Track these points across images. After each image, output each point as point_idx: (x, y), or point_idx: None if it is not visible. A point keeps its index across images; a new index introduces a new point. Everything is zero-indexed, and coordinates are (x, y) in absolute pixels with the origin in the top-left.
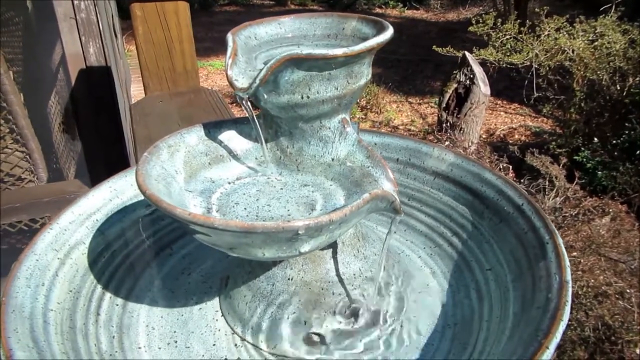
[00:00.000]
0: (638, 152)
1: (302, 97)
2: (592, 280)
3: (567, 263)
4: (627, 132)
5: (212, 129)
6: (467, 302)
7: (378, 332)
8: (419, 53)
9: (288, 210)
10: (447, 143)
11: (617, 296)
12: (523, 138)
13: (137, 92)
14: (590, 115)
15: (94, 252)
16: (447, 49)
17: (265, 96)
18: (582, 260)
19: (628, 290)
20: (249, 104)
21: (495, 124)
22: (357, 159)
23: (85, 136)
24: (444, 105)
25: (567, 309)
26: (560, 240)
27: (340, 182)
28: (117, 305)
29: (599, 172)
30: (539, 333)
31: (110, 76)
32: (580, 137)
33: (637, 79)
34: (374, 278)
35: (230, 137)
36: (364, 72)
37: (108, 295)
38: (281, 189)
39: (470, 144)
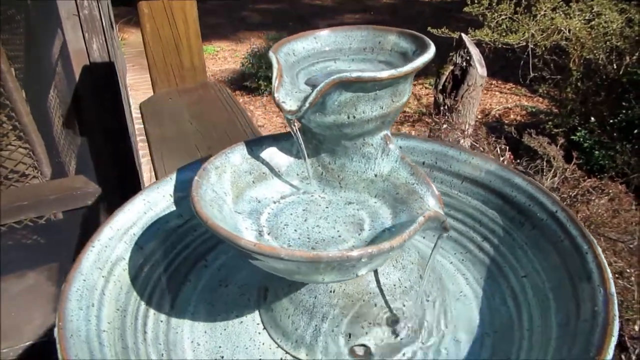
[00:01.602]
0: (635, 131)
1: (349, 117)
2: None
3: (610, 275)
4: (624, 111)
5: (254, 146)
6: (504, 310)
7: (420, 343)
8: None
9: (338, 230)
10: (444, 126)
11: (616, 275)
12: (519, 118)
13: (131, 81)
14: (586, 94)
15: (135, 268)
16: (442, 30)
17: (311, 116)
18: None
19: (628, 270)
20: (295, 124)
21: (490, 104)
22: (401, 176)
23: (89, 132)
24: (440, 87)
25: (617, 323)
26: (599, 250)
27: (385, 199)
28: (162, 321)
29: (596, 152)
30: (590, 348)
31: (114, 72)
32: (576, 116)
33: (634, 57)
34: (413, 288)
35: (271, 154)
36: (407, 90)
37: (152, 311)
38: (326, 207)
39: (467, 126)
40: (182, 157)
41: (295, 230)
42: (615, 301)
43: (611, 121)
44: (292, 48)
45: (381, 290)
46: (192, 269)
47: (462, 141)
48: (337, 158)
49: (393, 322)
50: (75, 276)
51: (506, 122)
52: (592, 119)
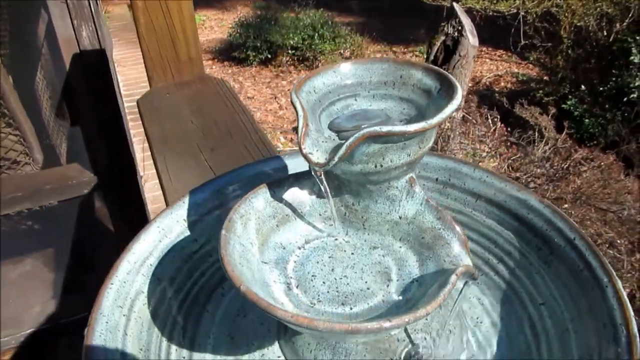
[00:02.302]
0: (625, 98)
1: (376, 167)
2: (583, 231)
3: (632, 313)
4: (613, 79)
5: (276, 188)
6: (522, 338)
7: None
8: (403, 1)
9: (365, 282)
10: None
11: (607, 246)
12: (509, 86)
13: (118, 56)
14: (577, 62)
15: (154, 301)
16: None
17: (337, 165)
18: (573, 212)
19: (618, 241)
20: (323, 176)
21: (481, 72)
22: (427, 220)
23: (82, 121)
24: (431, 58)
25: None
26: (619, 285)
27: (410, 244)
28: (184, 357)
29: (586, 120)
30: None
31: (105, 60)
32: (567, 84)
33: (624, 24)
34: (435, 319)
35: (293, 194)
36: (433, 135)
37: (174, 347)
38: (352, 253)
39: None
40: (186, 161)
41: (324, 283)
42: (638, 343)
43: (601, 89)
44: (312, 85)
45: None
46: (210, 297)
47: (454, 114)
48: (361, 200)
49: (415, 353)
50: (98, 318)
51: (497, 89)
52: (583, 87)
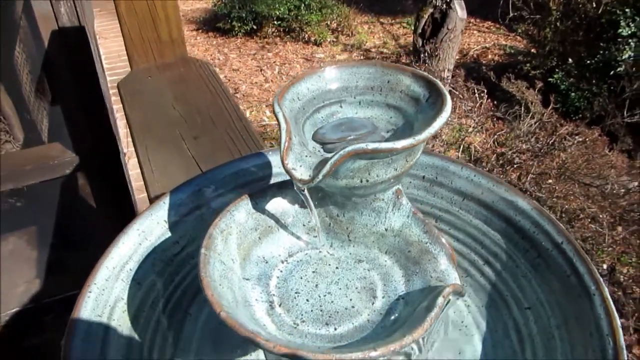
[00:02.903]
0: (611, 72)
1: (362, 181)
2: (567, 206)
3: (619, 323)
4: (601, 52)
5: (259, 199)
6: (507, 343)
7: None
8: None
9: (350, 299)
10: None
11: (589, 220)
12: (497, 58)
13: (99, 28)
14: (565, 34)
15: (134, 307)
16: None
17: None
18: (557, 187)
19: (601, 215)
20: (307, 192)
21: (468, 44)
22: (414, 233)
23: (63, 100)
24: (419, 31)
25: None
26: (607, 293)
27: (396, 257)
28: None
29: (572, 94)
30: None
31: (85, 37)
32: (554, 57)
33: None
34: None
35: (276, 204)
36: (421, 148)
37: (156, 354)
38: (337, 267)
39: (446, 72)
40: (168, 151)
41: (307, 300)
42: (625, 355)
43: (588, 62)
44: (296, 92)
45: None
46: (193, 301)
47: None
48: (346, 211)
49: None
50: (75, 327)
51: (484, 62)
52: (570, 60)
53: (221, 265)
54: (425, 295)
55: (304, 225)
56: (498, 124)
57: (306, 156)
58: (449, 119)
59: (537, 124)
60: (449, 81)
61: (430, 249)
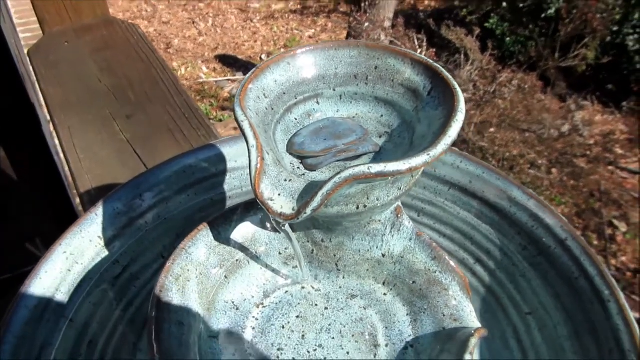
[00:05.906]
0: (543, 15)
1: (358, 207)
2: (507, 154)
3: None
4: None
5: (221, 226)
6: (507, 355)
7: None
8: None
9: (347, 352)
10: (366, 24)
11: (529, 166)
12: (433, 4)
13: None
14: None
15: (67, 353)
16: None
17: None
18: (498, 136)
19: (539, 161)
20: (289, 228)
21: None
22: (418, 259)
23: None
24: None
25: None
26: (623, 300)
27: (397, 289)
28: None
29: (508, 39)
30: None
31: None
32: (489, 1)
33: None
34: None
35: (244, 231)
36: None
37: None
38: (326, 308)
39: (387, 20)
40: (97, 133)
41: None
42: None
43: (521, 5)
44: (261, 87)
45: None
46: (142, 334)
47: (382, 38)
48: (333, 236)
49: None
50: None
51: (421, 9)
52: (504, 3)
53: (179, 328)
54: (440, 341)
55: (280, 253)
56: None
57: (285, 180)
58: None
59: (476, 71)
60: (391, 32)
61: (440, 279)
